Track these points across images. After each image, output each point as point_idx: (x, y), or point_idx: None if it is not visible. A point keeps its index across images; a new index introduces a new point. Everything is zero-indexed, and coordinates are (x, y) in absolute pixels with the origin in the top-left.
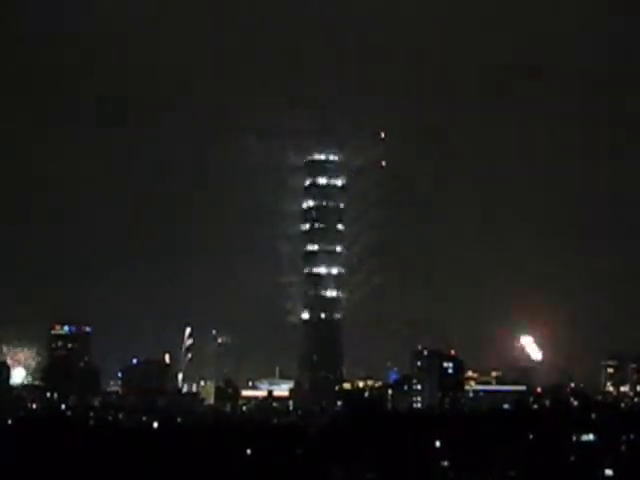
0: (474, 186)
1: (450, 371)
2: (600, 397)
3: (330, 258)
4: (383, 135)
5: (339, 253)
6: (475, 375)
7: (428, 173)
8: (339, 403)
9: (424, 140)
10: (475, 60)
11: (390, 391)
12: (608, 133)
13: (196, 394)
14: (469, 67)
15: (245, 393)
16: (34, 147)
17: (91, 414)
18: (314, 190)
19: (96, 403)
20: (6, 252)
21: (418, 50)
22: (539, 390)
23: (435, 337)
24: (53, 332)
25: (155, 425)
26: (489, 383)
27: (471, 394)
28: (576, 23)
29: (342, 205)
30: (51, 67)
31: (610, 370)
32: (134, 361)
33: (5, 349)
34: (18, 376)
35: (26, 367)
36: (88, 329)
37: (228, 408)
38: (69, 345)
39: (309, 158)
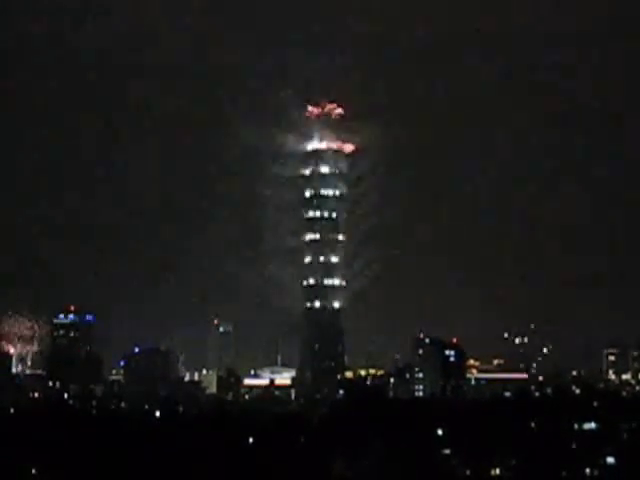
0: (477, 168)
1: (452, 359)
2: (602, 385)
3: (331, 246)
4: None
5: (340, 241)
6: (477, 363)
7: (430, 156)
8: (341, 392)
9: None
10: None
11: (392, 379)
12: None
13: (198, 383)
14: None
15: (247, 382)
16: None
17: (93, 403)
18: (314, 180)
19: (98, 392)
20: (9, 241)
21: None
22: (541, 378)
23: (437, 325)
24: (55, 321)
25: (157, 414)
26: (491, 371)
27: (473, 382)
28: None
29: (342, 193)
30: None
31: (612, 358)
32: (136, 350)
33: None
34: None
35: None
36: (90, 318)
37: (230, 397)
38: (71, 334)
39: (309, 147)
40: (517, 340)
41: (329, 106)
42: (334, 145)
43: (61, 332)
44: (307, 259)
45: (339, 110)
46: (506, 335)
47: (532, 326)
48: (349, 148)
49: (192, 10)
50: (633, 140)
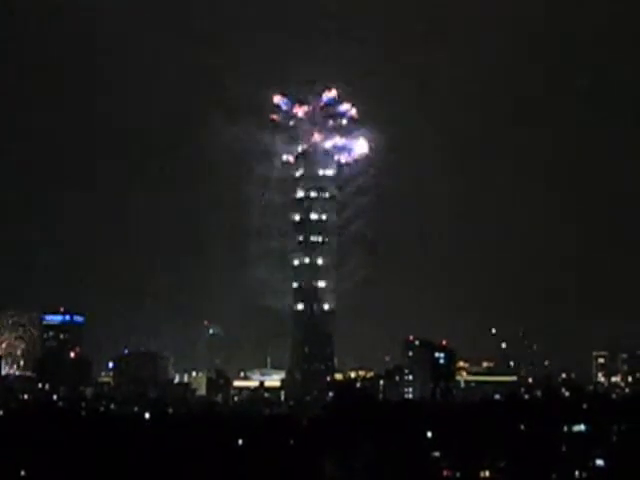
0: (464, 170)
1: (442, 361)
2: (591, 388)
3: (320, 248)
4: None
5: (329, 243)
6: (466, 365)
7: (418, 157)
8: (330, 394)
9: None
10: None
11: (382, 381)
12: None
13: (188, 384)
14: None
15: (237, 383)
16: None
17: (83, 405)
18: (304, 181)
19: (88, 394)
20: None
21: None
22: (530, 381)
23: (427, 327)
24: (45, 322)
25: (147, 415)
26: (481, 374)
27: (462, 384)
28: None
29: (332, 195)
30: None
31: (601, 361)
32: (125, 352)
33: None
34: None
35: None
36: (80, 319)
37: (219, 398)
38: (61, 335)
39: (300, 150)
40: (507, 343)
41: (324, 100)
42: (326, 145)
43: (50, 333)
44: (297, 261)
45: (346, 107)
46: (495, 338)
47: (521, 330)
48: (362, 148)
49: (181, 8)
50: None
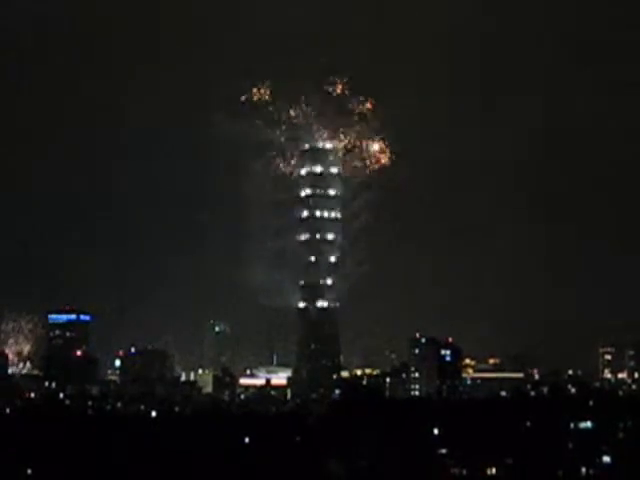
0: (472, 166)
1: (448, 358)
2: (598, 384)
3: (326, 246)
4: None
5: (335, 241)
6: (473, 362)
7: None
8: (337, 391)
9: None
10: None
11: (388, 379)
12: None
13: (194, 383)
14: None
15: (243, 381)
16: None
17: (89, 403)
18: (310, 178)
19: (94, 392)
20: (4, 239)
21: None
22: (536, 377)
23: (433, 324)
24: (51, 321)
25: (153, 414)
26: (487, 370)
27: (469, 381)
28: None
29: (337, 192)
30: None
31: (608, 357)
32: (132, 350)
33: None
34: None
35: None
36: (86, 318)
37: (226, 396)
38: (67, 334)
39: (305, 147)
40: (512, 339)
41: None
42: (328, 143)
43: (57, 332)
44: (303, 259)
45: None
46: (501, 334)
47: (527, 326)
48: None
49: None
50: None
